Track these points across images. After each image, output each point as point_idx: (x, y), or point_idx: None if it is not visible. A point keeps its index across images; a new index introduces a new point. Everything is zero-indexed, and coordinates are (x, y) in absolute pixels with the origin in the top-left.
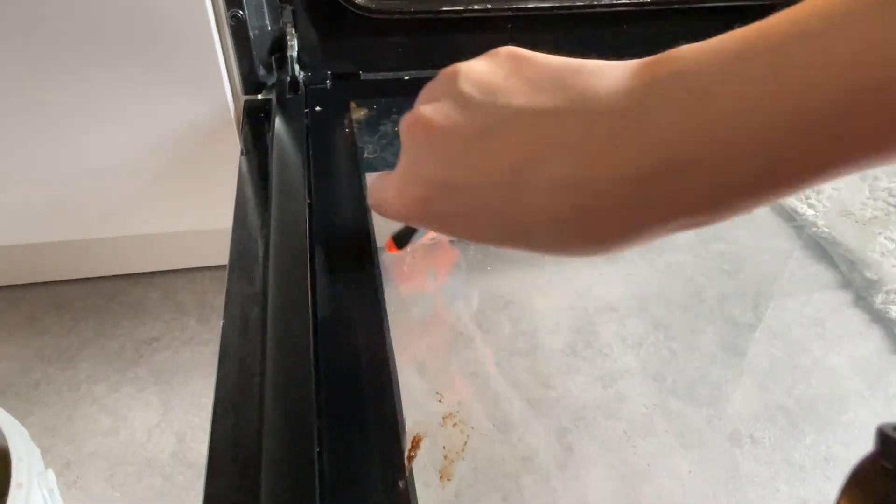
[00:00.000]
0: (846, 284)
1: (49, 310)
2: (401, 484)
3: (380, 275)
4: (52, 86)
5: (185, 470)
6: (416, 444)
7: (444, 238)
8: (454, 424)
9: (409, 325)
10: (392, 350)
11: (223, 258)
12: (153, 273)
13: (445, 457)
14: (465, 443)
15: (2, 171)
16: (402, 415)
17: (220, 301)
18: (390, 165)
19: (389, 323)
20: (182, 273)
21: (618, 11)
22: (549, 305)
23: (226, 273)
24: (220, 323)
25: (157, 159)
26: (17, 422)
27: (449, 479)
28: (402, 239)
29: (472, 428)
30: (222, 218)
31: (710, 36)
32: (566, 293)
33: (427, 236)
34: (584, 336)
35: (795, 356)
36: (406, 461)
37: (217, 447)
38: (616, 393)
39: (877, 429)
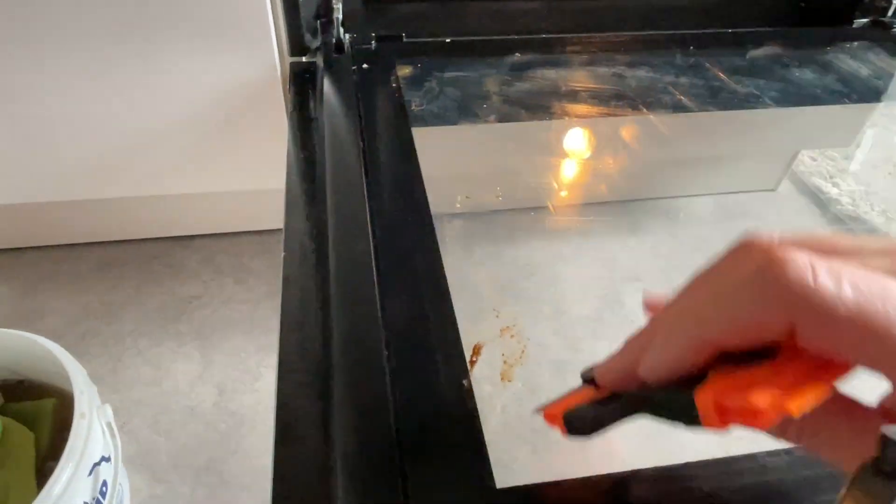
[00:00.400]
0: None
1: (93, 268)
2: (465, 382)
3: (429, 209)
4: (103, 44)
5: (227, 418)
6: (476, 351)
7: None
8: (511, 336)
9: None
10: (444, 273)
11: (260, 223)
12: (192, 236)
13: (505, 362)
14: (523, 350)
15: (52, 128)
16: (457, 327)
17: (257, 264)
18: (437, 118)
19: None
20: (220, 237)
21: None
22: (575, 274)
23: (262, 238)
24: (258, 284)
25: (204, 118)
26: (75, 360)
27: (510, 381)
28: (581, 422)
29: (528, 339)
30: (263, 178)
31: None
32: (592, 263)
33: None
34: (609, 304)
35: None
36: (468, 365)
37: (286, 356)
38: None
39: (880, 433)
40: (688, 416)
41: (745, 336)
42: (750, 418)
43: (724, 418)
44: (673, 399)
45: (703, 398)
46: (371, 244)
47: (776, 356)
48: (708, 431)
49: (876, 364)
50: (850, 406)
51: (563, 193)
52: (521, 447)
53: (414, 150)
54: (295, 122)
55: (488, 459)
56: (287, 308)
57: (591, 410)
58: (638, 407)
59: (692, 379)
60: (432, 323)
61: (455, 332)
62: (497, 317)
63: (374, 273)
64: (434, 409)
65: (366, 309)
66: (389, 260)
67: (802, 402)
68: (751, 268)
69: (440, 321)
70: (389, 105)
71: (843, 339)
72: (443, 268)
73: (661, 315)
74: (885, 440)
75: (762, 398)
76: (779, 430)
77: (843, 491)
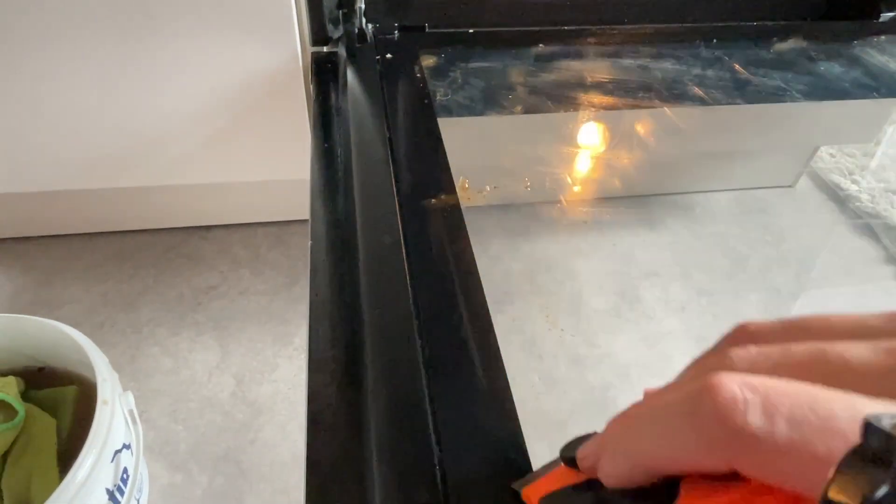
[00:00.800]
0: (890, 259)
1: (111, 258)
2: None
3: (457, 198)
4: (124, 32)
5: (245, 408)
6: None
7: None
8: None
9: None
10: (475, 262)
11: (275, 215)
12: (208, 227)
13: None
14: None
15: (71, 116)
16: (490, 316)
17: (273, 255)
18: (463, 108)
19: None
20: (236, 228)
21: None
22: (592, 269)
23: (278, 229)
24: (274, 275)
25: (224, 108)
26: (97, 347)
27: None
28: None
29: (562, 330)
30: (282, 169)
31: None
32: (609, 258)
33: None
34: (627, 299)
35: None
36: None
37: (316, 345)
38: (660, 353)
39: (862, 419)
40: None
41: (678, 467)
42: None
43: None
44: None
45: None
46: (401, 233)
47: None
48: None
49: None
50: None
51: (580, 188)
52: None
53: (440, 140)
54: (317, 111)
55: (526, 451)
56: (315, 297)
57: (565, 498)
58: None
59: (659, 490)
60: (464, 312)
61: (488, 321)
62: (547, 318)
63: (405, 262)
64: (470, 399)
65: (397, 298)
66: (419, 249)
67: None
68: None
69: (472, 310)
70: (414, 95)
71: (782, 474)
72: (473, 257)
73: (615, 423)
74: (866, 426)
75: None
76: None
77: (828, 477)
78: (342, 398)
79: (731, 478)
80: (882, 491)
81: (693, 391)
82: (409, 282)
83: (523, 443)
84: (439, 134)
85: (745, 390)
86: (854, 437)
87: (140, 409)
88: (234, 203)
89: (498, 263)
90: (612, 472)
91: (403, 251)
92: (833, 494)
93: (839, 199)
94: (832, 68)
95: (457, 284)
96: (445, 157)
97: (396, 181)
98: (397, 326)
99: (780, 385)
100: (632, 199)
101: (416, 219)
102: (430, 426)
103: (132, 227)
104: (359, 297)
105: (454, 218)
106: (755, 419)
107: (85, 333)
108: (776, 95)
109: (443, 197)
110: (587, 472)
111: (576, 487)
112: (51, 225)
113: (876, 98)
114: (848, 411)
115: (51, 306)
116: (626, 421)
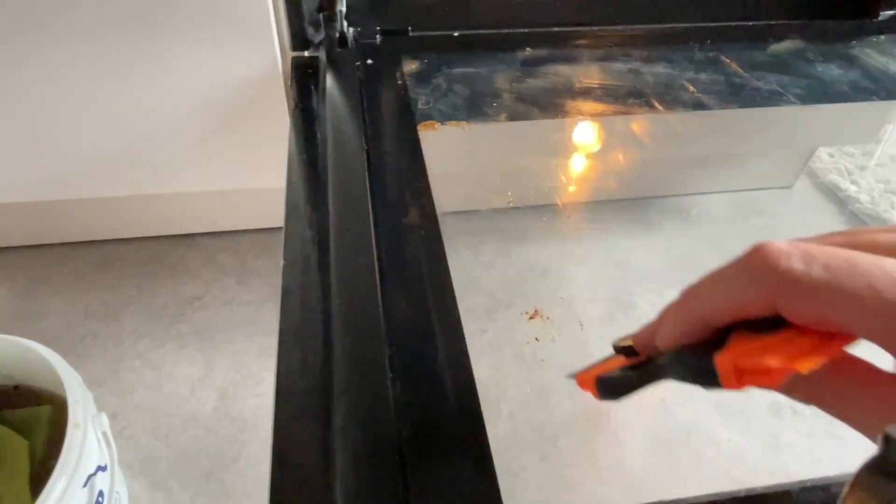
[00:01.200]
0: None
1: (94, 267)
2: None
3: (436, 215)
4: (101, 41)
5: (228, 424)
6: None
7: None
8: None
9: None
10: (451, 282)
11: (263, 221)
12: (194, 235)
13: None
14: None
15: (51, 126)
16: (464, 339)
17: (260, 263)
18: (444, 115)
19: None
20: (222, 235)
21: None
22: (586, 275)
23: (265, 236)
24: (261, 284)
25: (205, 115)
26: (70, 367)
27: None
28: (611, 386)
29: (555, 339)
30: (265, 176)
31: None
32: (604, 263)
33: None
34: (622, 305)
35: None
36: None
37: (284, 377)
38: None
39: (883, 432)
40: (708, 378)
41: (731, 313)
42: (763, 378)
43: (740, 379)
44: (696, 363)
45: (723, 361)
46: (374, 251)
47: (788, 327)
48: (725, 391)
49: (856, 329)
50: (860, 369)
51: (574, 191)
52: (529, 454)
53: (420, 150)
54: (296, 119)
55: (500, 497)
56: (286, 322)
57: (621, 374)
58: (664, 371)
59: (710, 345)
60: (438, 334)
61: (462, 344)
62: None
63: (378, 283)
64: (442, 436)
65: (369, 323)
66: (394, 268)
67: (808, 363)
68: (742, 258)
69: (446, 332)
70: (395, 102)
71: (816, 310)
72: (450, 277)
73: (676, 301)
74: (887, 440)
75: (774, 359)
76: (790, 392)
77: (845, 490)
78: (310, 435)
79: (774, 327)
80: None
81: (744, 255)
82: (381, 307)
83: (497, 490)
84: (419, 144)
85: (789, 246)
86: (877, 279)
87: (121, 425)
88: (220, 210)
89: (490, 269)
90: (671, 332)
91: (377, 274)
92: None
93: (838, 199)
94: (830, 70)
95: (432, 309)
96: (425, 170)
97: (373, 197)
98: (368, 356)
99: (816, 246)
100: (627, 202)
101: (392, 237)
102: (398, 469)
103: (115, 236)
104: (330, 323)
105: (431, 236)
106: (796, 264)
107: (66, 347)
108: (772, 99)
109: (421, 212)
110: (643, 347)
111: (632, 367)
112: (31, 234)
113: (877, 99)
114: (872, 260)
115: (31, 318)
116: (686, 291)
